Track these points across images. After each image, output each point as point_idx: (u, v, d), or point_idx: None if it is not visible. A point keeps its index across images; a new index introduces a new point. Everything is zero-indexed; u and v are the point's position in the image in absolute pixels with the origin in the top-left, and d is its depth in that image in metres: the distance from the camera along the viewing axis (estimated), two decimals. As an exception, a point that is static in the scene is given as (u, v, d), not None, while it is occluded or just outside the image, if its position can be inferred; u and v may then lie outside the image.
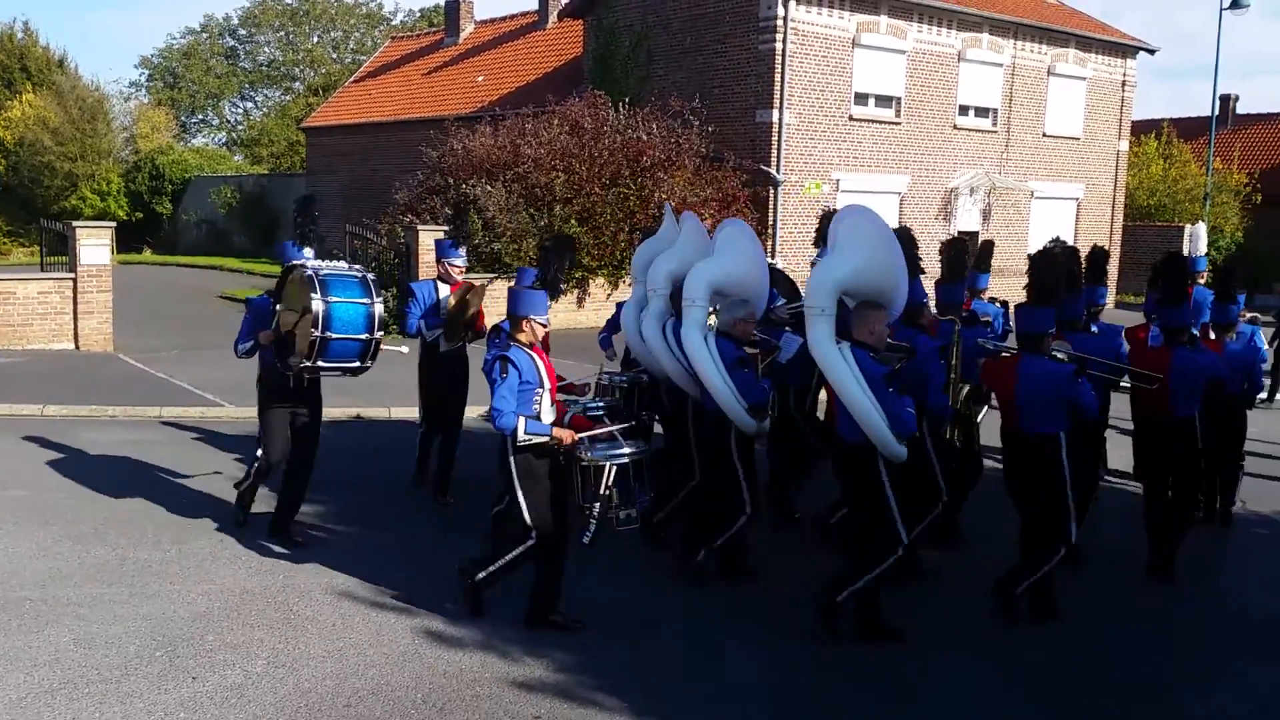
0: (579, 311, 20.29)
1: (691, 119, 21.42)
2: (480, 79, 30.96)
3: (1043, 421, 6.61)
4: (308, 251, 8.05)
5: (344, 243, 20.80)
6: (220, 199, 37.96)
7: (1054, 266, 6.99)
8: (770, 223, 22.29)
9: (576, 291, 20.26)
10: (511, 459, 6.25)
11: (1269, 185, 39.37)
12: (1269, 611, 7.24)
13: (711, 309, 7.28)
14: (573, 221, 19.58)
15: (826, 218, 8.01)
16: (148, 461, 9.90)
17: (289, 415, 7.83)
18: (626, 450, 6.45)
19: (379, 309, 7.24)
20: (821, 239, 8.53)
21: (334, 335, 7.07)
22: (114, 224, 18.71)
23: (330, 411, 12.03)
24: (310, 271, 7.14)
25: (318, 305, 6.97)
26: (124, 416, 11.90)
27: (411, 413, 10.43)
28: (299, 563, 7.36)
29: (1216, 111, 33.01)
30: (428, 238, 18.19)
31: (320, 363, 7.16)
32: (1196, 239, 15.99)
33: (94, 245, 15.92)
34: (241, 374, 14.15)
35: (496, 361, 6.16)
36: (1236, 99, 48.15)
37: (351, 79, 39.03)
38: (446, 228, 18.30)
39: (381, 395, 12.48)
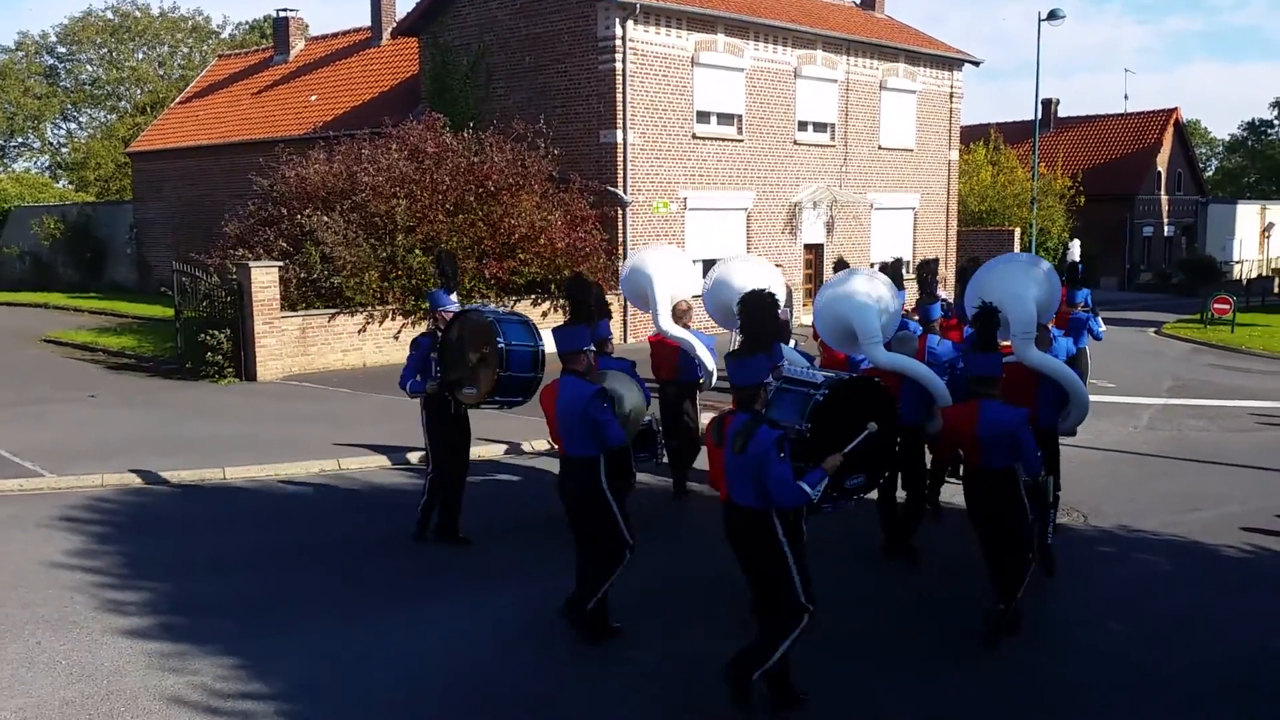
0: (427, 343, 19.75)
1: (537, 141, 21.16)
2: (313, 99, 29.95)
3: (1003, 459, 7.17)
4: (453, 297, 9.03)
5: (172, 279, 19.65)
6: (44, 230, 35.74)
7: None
8: (620, 243, 22.18)
9: (425, 322, 19.68)
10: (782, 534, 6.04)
11: (1091, 185, 41.59)
12: (1118, 646, 7.41)
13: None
14: (416, 251, 19.04)
15: (973, 262, 10.13)
16: (-48, 549, 9.06)
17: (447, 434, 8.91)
18: None
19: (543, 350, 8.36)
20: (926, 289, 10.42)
21: (512, 374, 8.29)
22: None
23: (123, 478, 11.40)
24: (491, 317, 8.46)
25: (502, 346, 8.23)
26: (-73, 493, 10.92)
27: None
28: (125, 664, 6.78)
29: (1040, 117, 34.61)
30: (261, 275, 17.41)
31: (496, 397, 8.50)
32: (1072, 253, 16.92)
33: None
34: (67, 435, 13.29)
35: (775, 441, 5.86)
36: (1058, 102, 50.80)
37: (178, 99, 37.33)
38: (280, 262, 17.71)
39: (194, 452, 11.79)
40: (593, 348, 7.24)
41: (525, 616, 7.64)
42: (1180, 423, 15.30)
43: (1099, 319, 14.00)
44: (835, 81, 26.35)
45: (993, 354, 7.27)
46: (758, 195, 24.74)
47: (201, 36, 56.95)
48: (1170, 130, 49.10)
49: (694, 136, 23.36)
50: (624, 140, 22.06)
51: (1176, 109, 49.61)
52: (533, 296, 20.95)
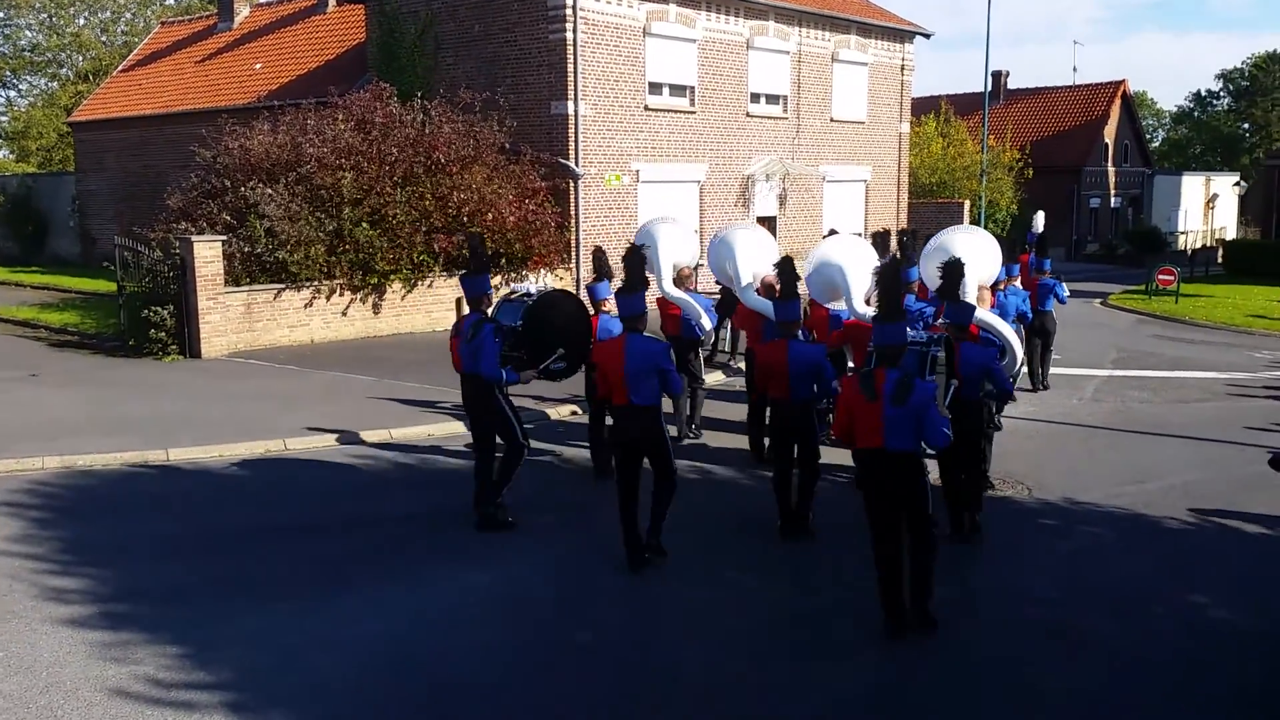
0: (376, 319, 19.50)
1: (491, 112, 20.91)
2: (257, 67, 29.36)
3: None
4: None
5: (115, 253, 19.19)
6: (-17, 202, 34.92)
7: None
8: (572, 216, 22.02)
9: (372, 297, 19.45)
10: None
11: (1039, 156, 41.98)
12: (1061, 619, 7.50)
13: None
14: (364, 225, 18.76)
15: (887, 271, 11.68)
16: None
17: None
18: None
19: None
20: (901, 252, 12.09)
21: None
22: None
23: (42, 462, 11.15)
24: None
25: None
26: None
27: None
28: (65, 654, 6.65)
29: (989, 90, 34.78)
30: (204, 249, 17.09)
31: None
32: (1036, 224, 18.98)
33: None
34: (8, 415, 12.96)
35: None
36: (1008, 75, 51.16)
37: (120, 67, 36.42)
38: (224, 236, 17.38)
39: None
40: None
41: (479, 603, 7.59)
42: (1124, 394, 15.53)
43: (1063, 285, 15.87)
44: (787, 53, 26.27)
45: (964, 304, 8.66)
46: (710, 167, 24.66)
47: (145, 1, 55.55)
48: (1118, 102, 49.64)
49: (646, 108, 23.19)
50: (575, 111, 21.85)
51: (1124, 81, 50.16)
52: (484, 270, 20.74)
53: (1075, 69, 78.20)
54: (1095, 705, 6.25)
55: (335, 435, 12.01)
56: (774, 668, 6.61)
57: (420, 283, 20.00)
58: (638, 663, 6.70)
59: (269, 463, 11.21)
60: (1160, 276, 27.92)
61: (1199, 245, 48.48)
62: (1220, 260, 40.87)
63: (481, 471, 8.97)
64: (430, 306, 20.25)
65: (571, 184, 22.04)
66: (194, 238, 17.10)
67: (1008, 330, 10.10)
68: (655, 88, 23.46)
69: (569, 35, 21.60)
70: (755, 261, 11.25)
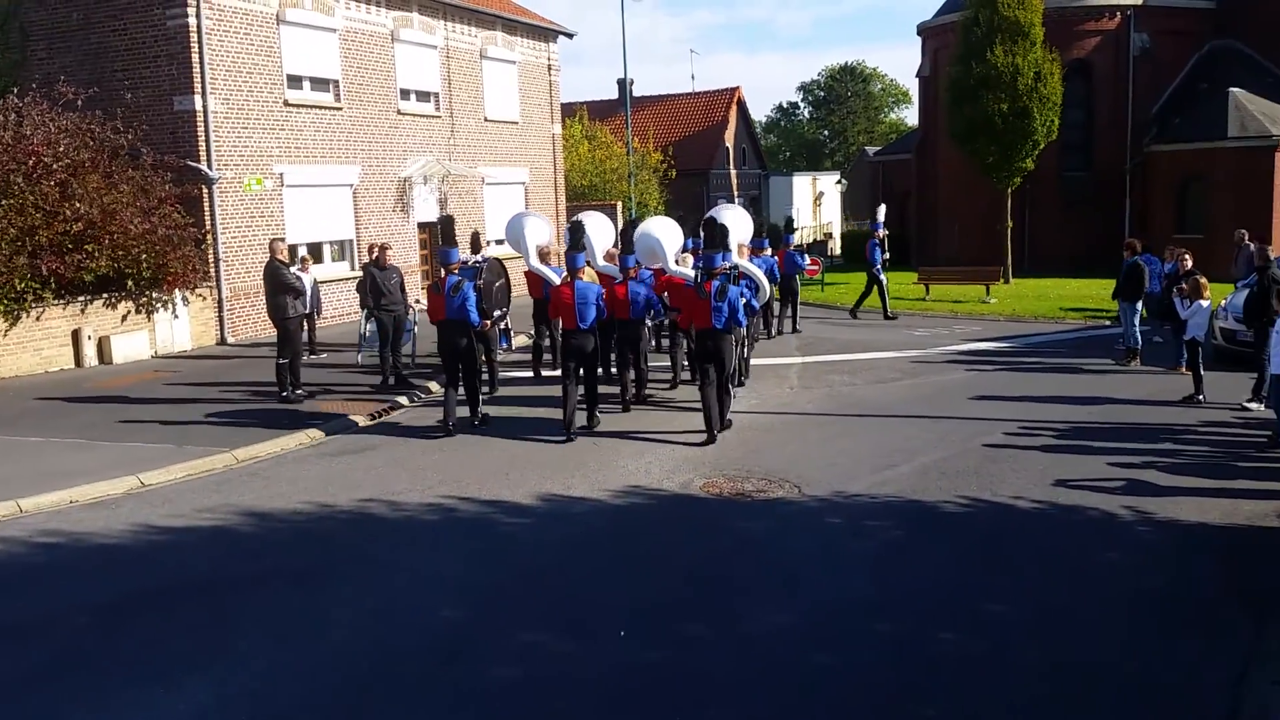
0: (-30, 359, 15.86)
1: (99, 108, 17.71)
2: None
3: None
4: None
5: None
6: None
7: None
8: (209, 226, 19.17)
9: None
10: None
11: (678, 159, 43.06)
12: (907, 632, 6.67)
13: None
14: (-53, 245, 15.15)
15: (710, 222, 12.60)
16: None
17: None
18: None
19: None
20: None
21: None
22: None
23: None
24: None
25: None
26: None
27: None
28: None
29: (628, 96, 35.01)
30: None
31: None
32: (880, 215, 24.47)
33: None
34: None
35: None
36: (633, 81, 52.17)
37: None
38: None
39: None
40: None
41: None
42: (827, 379, 15.51)
43: (805, 257, 22.83)
44: (435, 48, 24.67)
45: (713, 255, 11.63)
46: (364, 170, 22.54)
47: None
48: (734, 109, 52.10)
49: (286, 103, 20.70)
50: (204, 107, 19.03)
51: (738, 88, 52.70)
52: (105, 295, 17.54)
53: (694, 77, 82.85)
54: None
55: (-59, 512, 9.10)
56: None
57: (25, 315, 16.53)
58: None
59: None
60: (808, 266, 29.06)
61: (812, 239, 51.94)
62: (839, 252, 43.84)
63: (449, 399, 12.05)
64: (40, 343, 16.80)
65: (206, 190, 19.19)
66: None
67: (759, 273, 13.97)
68: (295, 81, 21.04)
69: (191, 21, 18.78)
70: (605, 239, 14.78)
